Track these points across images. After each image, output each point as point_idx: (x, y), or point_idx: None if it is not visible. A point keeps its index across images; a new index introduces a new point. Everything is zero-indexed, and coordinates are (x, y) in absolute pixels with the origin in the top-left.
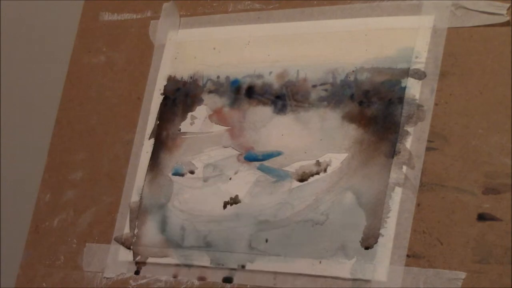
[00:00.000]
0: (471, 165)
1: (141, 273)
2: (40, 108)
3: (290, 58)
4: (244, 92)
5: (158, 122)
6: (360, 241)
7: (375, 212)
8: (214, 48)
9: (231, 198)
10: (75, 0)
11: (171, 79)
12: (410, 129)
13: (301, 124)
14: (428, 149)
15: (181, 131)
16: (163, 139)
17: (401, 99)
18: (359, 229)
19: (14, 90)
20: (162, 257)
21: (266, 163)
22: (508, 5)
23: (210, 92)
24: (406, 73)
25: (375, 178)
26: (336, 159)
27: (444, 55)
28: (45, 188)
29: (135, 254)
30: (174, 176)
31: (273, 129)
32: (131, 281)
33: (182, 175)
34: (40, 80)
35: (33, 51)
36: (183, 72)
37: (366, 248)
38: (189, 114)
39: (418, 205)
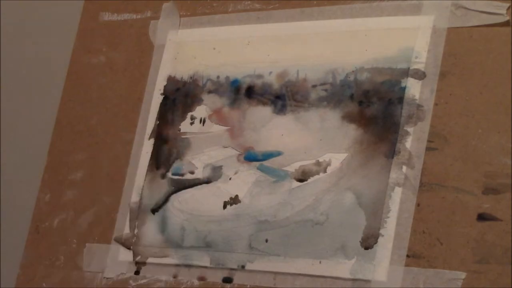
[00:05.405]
0: (471, 165)
1: (141, 273)
2: (40, 108)
3: (290, 58)
4: (244, 92)
5: (158, 122)
6: (360, 241)
7: (375, 212)
8: (214, 48)
9: (231, 198)
10: (75, 0)
11: (171, 79)
12: (410, 129)
13: (301, 124)
14: (428, 149)
15: (181, 131)
16: (163, 139)
17: (401, 99)
18: (359, 229)
19: (14, 90)
20: (162, 257)
21: (266, 163)
22: (508, 5)
23: (210, 92)
24: (406, 73)
25: (375, 178)
26: (336, 159)
27: (444, 55)
28: (45, 188)
29: (135, 254)
30: (174, 176)
31: (273, 129)
32: (131, 281)
33: (182, 175)
34: (40, 80)
35: (33, 51)
36: (183, 72)
37: (366, 248)
38: (189, 114)
39: (418, 205)
